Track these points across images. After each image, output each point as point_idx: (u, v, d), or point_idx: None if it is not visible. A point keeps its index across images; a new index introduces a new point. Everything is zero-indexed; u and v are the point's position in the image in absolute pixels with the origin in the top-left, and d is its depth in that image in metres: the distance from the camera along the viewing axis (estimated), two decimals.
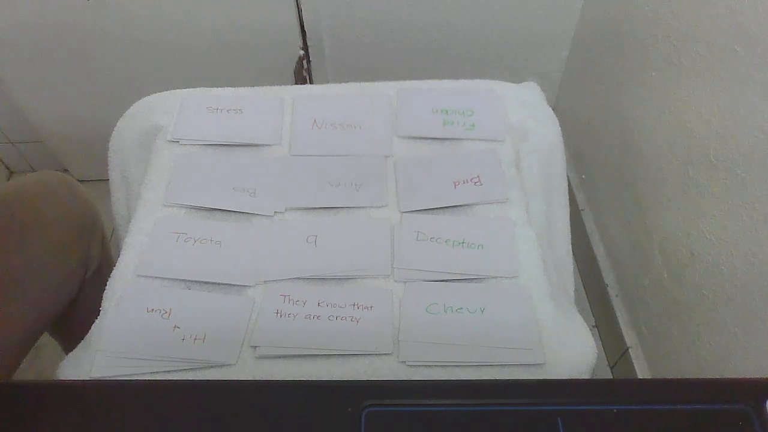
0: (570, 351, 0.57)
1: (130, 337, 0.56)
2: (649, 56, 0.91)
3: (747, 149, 0.71)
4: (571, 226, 0.76)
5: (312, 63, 1.16)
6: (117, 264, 0.63)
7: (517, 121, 0.75)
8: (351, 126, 0.75)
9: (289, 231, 0.65)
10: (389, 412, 0.29)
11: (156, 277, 0.61)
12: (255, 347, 0.56)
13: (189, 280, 0.61)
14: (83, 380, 0.53)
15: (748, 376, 0.41)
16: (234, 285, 0.60)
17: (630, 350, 1.02)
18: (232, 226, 0.65)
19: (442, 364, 0.55)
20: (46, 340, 0.81)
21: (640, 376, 0.99)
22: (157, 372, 0.54)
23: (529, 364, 0.55)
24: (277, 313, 0.58)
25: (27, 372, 1.08)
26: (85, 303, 0.76)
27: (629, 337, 1.04)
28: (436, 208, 0.66)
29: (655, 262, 0.94)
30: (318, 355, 0.55)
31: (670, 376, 0.92)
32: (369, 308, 0.58)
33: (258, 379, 0.53)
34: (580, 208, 1.22)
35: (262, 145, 0.73)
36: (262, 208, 0.66)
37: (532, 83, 0.82)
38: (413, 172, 0.70)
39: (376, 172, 0.70)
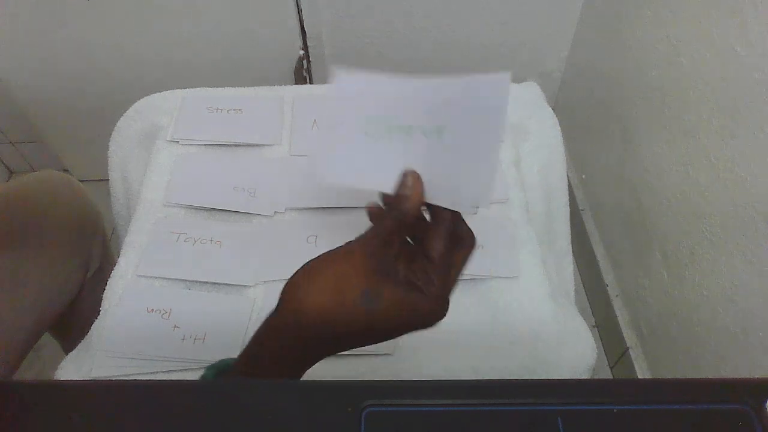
0: (570, 351, 0.57)
1: (130, 337, 0.56)
2: (650, 56, 0.91)
3: (747, 149, 0.71)
4: (571, 226, 0.76)
5: (312, 63, 1.16)
6: (117, 264, 0.63)
7: (517, 121, 0.75)
8: None
9: (289, 231, 0.65)
10: (389, 412, 0.29)
11: (156, 277, 0.61)
12: None
13: (189, 280, 0.61)
14: (83, 380, 0.53)
15: (748, 376, 0.41)
16: (234, 285, 0.60)
17: (630, 350, 1.02)
18: (232, 226, 0.65)
19: (442, 366, 0.55)
20: (46, 340, 0.81)
21: (640, 376, 0.99)
22: (157, 372, 0.54)
23: (530, 364, 0.55)
24: None
25: (27, 372, 1.08)
26: (85, 303, 0.76)
27: (629, 337, 1.04)
28: None
29: (655, 262, 0.94)
30: None
31: (670, 376, 0.92)
32: None
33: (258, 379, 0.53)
34: (580, 208, 1.22)
35: (262, 145, 0.73)
36: (262, 208, 0.66)
37: (532, 83, 0.82)
38: None
39: None
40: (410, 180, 0.37)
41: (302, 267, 0.36)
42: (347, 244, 0.36)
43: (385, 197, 0.40)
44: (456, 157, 0.37)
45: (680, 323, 0.88)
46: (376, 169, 0.39)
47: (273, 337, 0.36)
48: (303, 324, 0.34)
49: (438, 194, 0.38)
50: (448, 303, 0.36)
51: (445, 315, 0.36)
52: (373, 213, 0.39)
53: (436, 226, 0.36)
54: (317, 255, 0.37)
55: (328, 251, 0.36)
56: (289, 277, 0.36)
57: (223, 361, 0.40)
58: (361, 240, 0.36)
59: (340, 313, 0.34)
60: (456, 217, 0.37)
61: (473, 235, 0.38)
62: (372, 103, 0.39)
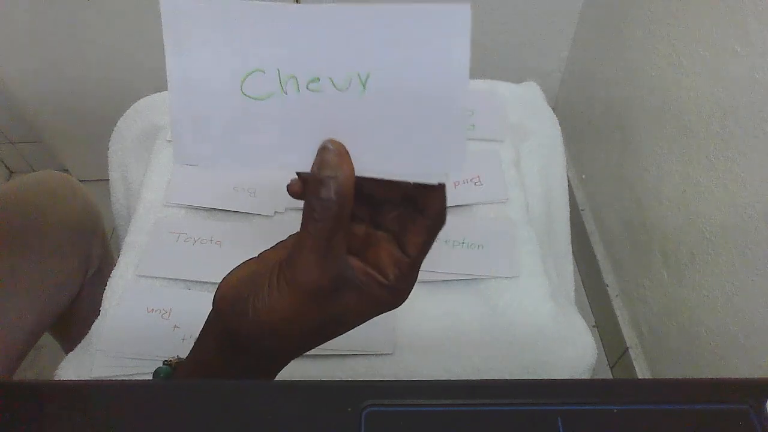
0: (570, 351, 0.57)
1: (130, 337, 0.56)
2: (649, 56, 0.91)
3: (747, 149, 0.71)
4: (571, 226, 0.76)
5: None
6: (117, 264, 0.63)
7: (517, 121, 0.75)
8: None
9: (289, 231, 0.64)
10: (389, 412, 0.29)
11: (156, 277, 0.61)
12: None
13: (189, 280, 0.61)
14: (83, 380, 0.53)
15: (748, 376, 0.41)
16: None
17: (630, 350, 1.02)
18: (232, 226, 0.65)
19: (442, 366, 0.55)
20: (46, 340, 0.81)
21: (640, 376, 0.99)
22: None
23: (530, 364, 0.55)
24: None
25: (27, 372, 1.08)
26: (85, 303, 0.76)
27: (629, 337, 1.04)
28: None
29: (655, 262, 0.94)
30: (318, 355, 0.55)
31: (670, 376, 0.92)
32: None
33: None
34: (580, 208, 1.22)
35: None
36: (262, 208, 0.66)
37: (532, 83, 0.82)
38: None
39: None
40: (333, 156, 0.27)
41: (236, 284, 0.31)
42: (284, 255, 0.30)
43: (303, 178, 0.31)
44: (399, 112, 0.27)
45: (680, 323, 0.88)
46: (273, 143, 0.29)
47: (220, 352, 0.33)
48: (251, 344, 0.31)
49: (380, 164, 0.28)
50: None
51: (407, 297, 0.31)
52: (297, 193, 0.31)
53: (424, 220, 0.29)
54: (246, 263, 0.33)
55: (260, 264, 0.32)
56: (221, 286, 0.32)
57: (166, 362, 0.38)
58: (300, 251, 0.28)
59: (297, 333, 0.30)
60: (444, 202, 0.29)
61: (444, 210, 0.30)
62: (242, 44, 0.27)
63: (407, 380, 0.37)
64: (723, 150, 0.75)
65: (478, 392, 0.30)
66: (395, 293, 0.30)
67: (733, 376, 0.77)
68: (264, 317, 0.29)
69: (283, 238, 0.35)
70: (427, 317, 0.57)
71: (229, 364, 0.33)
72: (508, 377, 0.54)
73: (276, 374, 0.35)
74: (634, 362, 1.01)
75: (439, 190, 0.28)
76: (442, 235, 0.67)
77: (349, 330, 0.32)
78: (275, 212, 0.66)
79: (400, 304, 0.31)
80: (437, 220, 0.29)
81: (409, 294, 0.31)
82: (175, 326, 0.57)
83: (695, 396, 0.30)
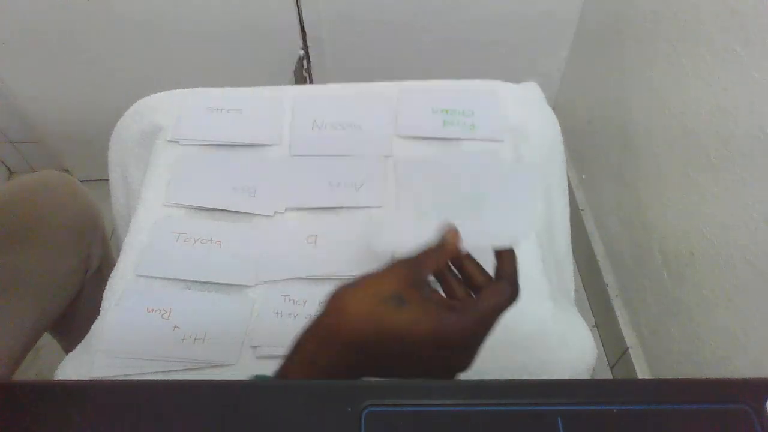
0: (570, 351, 0.57)
1: (130, 337, 0.56)
2: (650, 57, 0.91)
3: (747, 149, 0.71)
4: (571, 226, 0.75)
5: (312, 63, 1.16)
6: (117, 264, 0.63)
7: (517, 121, 0.75)
8: (351, 126, 0.75)
9: (289, 231, 0.65)
10: (389, 412, 0.29)
11: (156, 277, 0.61)
12: (255, 347, 0.56)
13: (189, 280, 0.61)
14: (83, 380, 0.53)
15: (748, 376, 0.41)
16: (234, 285, 0.60)
17: (630, 350, 1.02)
18: (232, 226, 0.65)
19: None
20: (46, 340, 0.81)
21: (640, 376, 0.99)
22: (157, 372, 0.54)
23: (530, 364, 0.55)
24: (277, 313, 0.58)
25: (27, 372, 1.08)
26: (85, 303, 0.76)
27: (629, 337, 1.04)
28: None
29: (655, 262, 0.94)
30: None
31: (670, 376, 0.92)
32: None
33: None
34: (580, 208, 1.22)
35: (262, 145, 0.73)
36: (262, 208, 0.66)
37: (532, 83, 0.81)
38: (413, 172, 0.70)
39: (376, 172, 0.70)
40: (450, 236, 0.43)
41: (347, 282, 0.40)
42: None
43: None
44: (498, 214, 0.46)
45: (680, 323, 0.88)
46: (420, 237, 0.44)
47: (310, 339, 0.39)
48: (342, 323, 0.37)
49: (476, 240, 0.44)
50: (480, 338, 0.39)
51: (477, 343, 0.39)
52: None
53: (498, 271, 0.43)
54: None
55: (379, 300, 0.39)
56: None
57: (260, 376, 0.43)
58: (403, 258, 0.41)
59: (373, 313, 0.37)
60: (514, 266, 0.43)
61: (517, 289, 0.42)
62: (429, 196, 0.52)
63: (407, 380, 0.37)
64: (723, 150, 0.75)
65: (478, 392, 0.30)
66: (457, 315, 0.39)
67: (733, 376, 0.77)
68: (357, 301, 0.38)
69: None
70: None
71: (312, 364, 0.38)
72: (508, 377, 0.54)
73: None
74: (634, 362, 1.01)
75: (510, 254, 0.43)
76: None
77: (423, 353, 0.38)
78: (275, 212, 0.66)
79: (468, 335, 0.39)
80: (512, 287, 0.42)
81: (476, 332, 0.40)
82: (175, 326, 0.57)
83: (695, 396, 0.30)
